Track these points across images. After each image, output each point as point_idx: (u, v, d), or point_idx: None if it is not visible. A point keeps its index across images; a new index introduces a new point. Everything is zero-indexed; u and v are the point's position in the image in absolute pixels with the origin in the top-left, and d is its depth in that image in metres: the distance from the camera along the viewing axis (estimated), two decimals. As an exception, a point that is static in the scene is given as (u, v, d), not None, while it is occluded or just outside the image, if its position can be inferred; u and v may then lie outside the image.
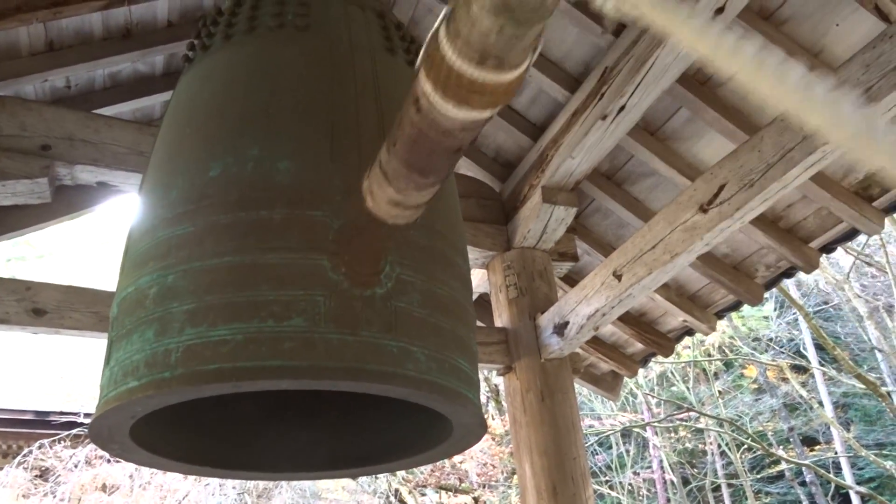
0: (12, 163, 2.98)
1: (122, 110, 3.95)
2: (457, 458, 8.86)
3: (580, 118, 3.20)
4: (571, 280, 4.10)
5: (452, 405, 1.52)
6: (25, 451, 8.76)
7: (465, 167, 4.11)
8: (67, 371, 12.61)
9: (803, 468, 16.01)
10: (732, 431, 15.78)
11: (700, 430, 16.48)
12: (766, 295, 3.97)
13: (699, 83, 3.18)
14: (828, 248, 3.57)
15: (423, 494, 9.90)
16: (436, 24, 0.93)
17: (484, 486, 9.09)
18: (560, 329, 3.25)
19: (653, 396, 16.81)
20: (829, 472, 15.51)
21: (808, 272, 3.55)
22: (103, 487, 9.15)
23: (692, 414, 15.56)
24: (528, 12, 0.81)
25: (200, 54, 1.92)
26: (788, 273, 3.73)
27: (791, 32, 2.89)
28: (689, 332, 4.37)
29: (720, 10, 2.56)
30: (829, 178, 3.16)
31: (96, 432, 1.49)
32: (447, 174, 1.26)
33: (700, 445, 17.63)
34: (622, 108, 3.00)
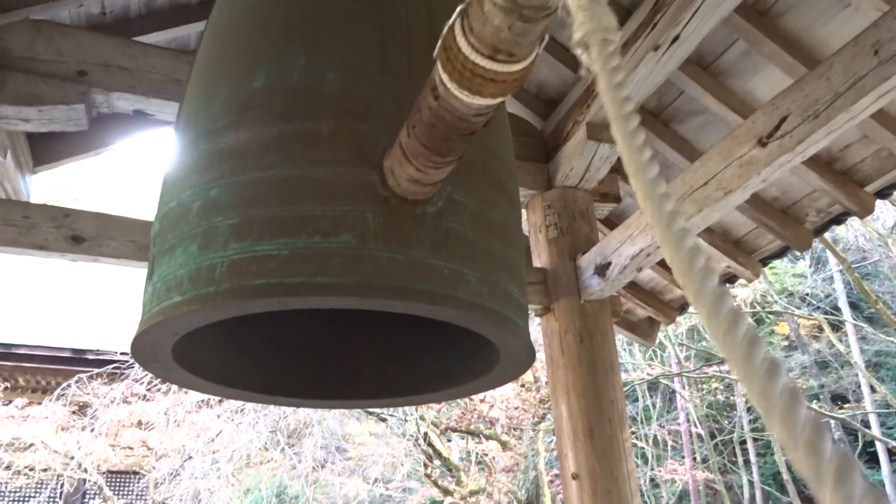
0: (49, 88, 2.94)
1: (157, 39, 3.87)
2: (486, 405, 8.90)
3: (631, 49, 3.05)
4: (612, 223, 4.00)
5: (503, 331, 1.47)
6: (64, 385, 8.98)
7: (507, 103, 3.99)
8: (104, 309, 12.85)
9: (831, 424, 15.91)
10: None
11: (729, 384, 16.41)
12: (814, 239, 3.84)
13: (759, 13, 3.01)
14: (883, 193, 3.42)
15: (450, 440, 10.01)
16: (451, 20, 1.02)
17: (511, 431, 9.15)
18: (602, 270, 3.17)
19: (683, 349, 16.74)
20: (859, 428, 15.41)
21: (862, 217, 3.41)
22: (139, 424, 9.39)
23: (722, 368, 15.48)
24: (534, 10, 0.90)
25: (240, -33, 1.83)
26: (840, 219, 3.60)
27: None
28: (732, 279, 4.26)
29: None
30: (893, 117, 3.00)
31: (139, 349, 1.46)
32: (462, 153, 1.30)
33: (730, 398, 17.56)
34: (676, 38, 2.85)
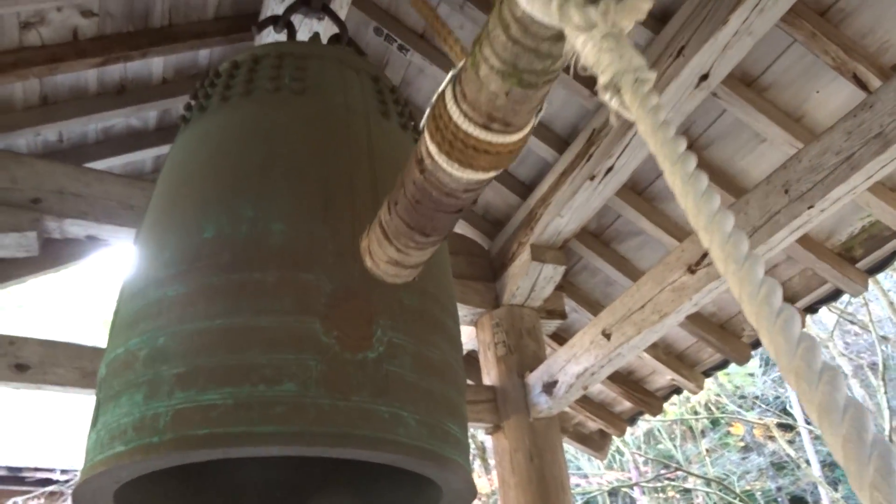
0: (1, 216, 2.97)
1: (113, 164, 3.97)
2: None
3: (568, 178, 3.24)
4: (560, 338, 4.10)
5: (442, 471, 1.51)
6: (1, 506, 8.51)
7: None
8: (42, 426, 12.34)
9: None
10: (720, 491, 15.60)
11: (688, 490, 16.28)
12: (752, 352, 3.98)
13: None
14: (812, 309, 3.60)
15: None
16: (442, 86, 0.95)
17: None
18: (549, 388, 3.24)
19: (640, 455, 16.64)
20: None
21: (794, 332, 3.56)
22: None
23: (680, 473, 15.39)
24: (535, 75, 0.82)
25: (197, 115, 1.95)
26: (775, 332, 3.74)
27: (773, 98, 2.97)
28: (678, 390, 4.36)
29: (704, 77, 2.63)
30: (813, 240, 3.20)
31: (80, 497, 1.45)
32: (448, 233, 1.28)
33: (689, 504, 17.41)
34: (610, 168, 3.05)
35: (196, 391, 1.35)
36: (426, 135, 1.01)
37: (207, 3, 3.52)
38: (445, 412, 1.58)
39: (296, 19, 2.82)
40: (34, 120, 3.44)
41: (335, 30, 2.68)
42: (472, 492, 1.59)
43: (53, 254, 3.59)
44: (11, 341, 2.76)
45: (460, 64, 0.91)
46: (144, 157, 4.16)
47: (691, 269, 2.51)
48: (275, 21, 2.60)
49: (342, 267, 1.52)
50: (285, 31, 2.64)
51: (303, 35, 2.91)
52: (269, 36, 2.96)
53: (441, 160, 0.99)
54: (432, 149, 1.00)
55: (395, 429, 1.43)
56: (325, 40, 2.62)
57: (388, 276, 1.41)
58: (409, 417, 1.47)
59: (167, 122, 4.06)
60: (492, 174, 1.01)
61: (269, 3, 3.05)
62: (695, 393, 4.15)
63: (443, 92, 0.96)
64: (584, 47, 0.67)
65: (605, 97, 0.65)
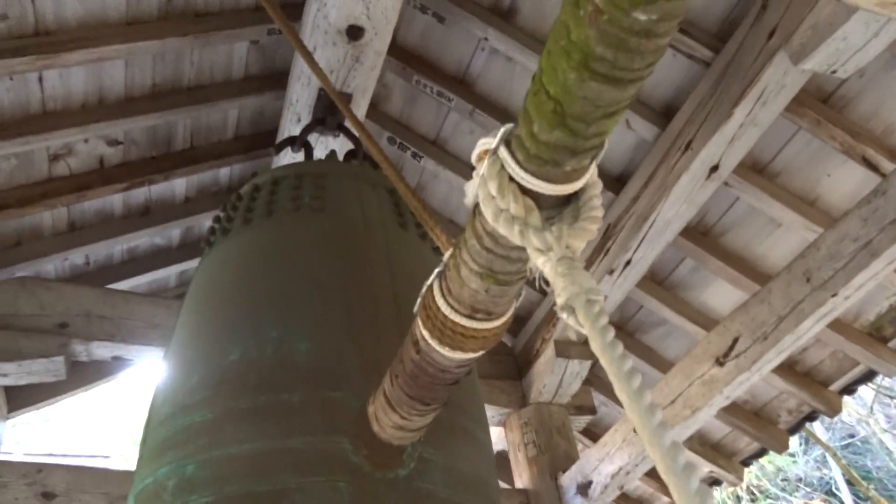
0: (30, 342, 3.02)
1: (138, 283, 4.04)
2: None
3: (588, 272, 3.26)
4: (591, 433, 4.02)
5: (481, 592, 1.46)
6: None
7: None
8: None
9: None
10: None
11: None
12: (790, 438, 3.86)
13: (701, 234, 3.26)
14: (848, 390, 3.52)
15: None
16: (430, 280, 1.06)
17: None
18: (584, 489, 3.15)
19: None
20: None
21: (831, 416, 3.48)
22: None
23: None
24: (509, 276, 0.93)
25: (221, 238, 2.00)
26: (812, 416, 3.65)
27: (786, 184, 3.00)
28: (717, 482, 4.22)
29: (714, 168, 2.67)
30: (841, 321, 3.16)
31: None
32: (446, 400, 1.32)
33: None
34: (628, 262, 3.06)
35: (226, 523, 1.33)
36: (419, 321, 1.10)
37: (227, 125, 3.66)
38: (480, 528, 1.54)
39: (311, 137, 2.93)
40: (62, 246, 3.54)
41: (350, 145, 2.77)
42: None
43: (80, 375, 3.62)
44: (39, 469, 2.76)
45: (446, 257, 1.01)
46: (168, 273, 4.24)
47: (720, 362, 2.48)
48: (292, 142, 2.70)
49: (368, 383, 1.52)
50: (302, 150, 2.74)
51: (319, 152, 3.01)
52: (287, 155, 3.06)
53: (433, 343, 1.09)
54: (425, 333, 1.09)
55: (428, 550, 1.40)
56: (340, 156, 2.72)
57: (394, 439, 1.44)
58: (443, 536, 1.43)
59: (190, 238, 4.16)
60: (479, 353, 1.11)
61: (286, 125, 3.17)
62: (735, 485, 4.01)
63: (431, 286, 1.06)
64: (544, 267, 0.76)
65: (563, 316, 0.72)
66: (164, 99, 3.27)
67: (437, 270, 1.04)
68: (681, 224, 2.95)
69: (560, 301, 0.72)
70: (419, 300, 1.09)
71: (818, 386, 3.40)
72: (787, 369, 3.40)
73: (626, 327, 3.83)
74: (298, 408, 1.47)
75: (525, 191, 0.73)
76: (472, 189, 0.79)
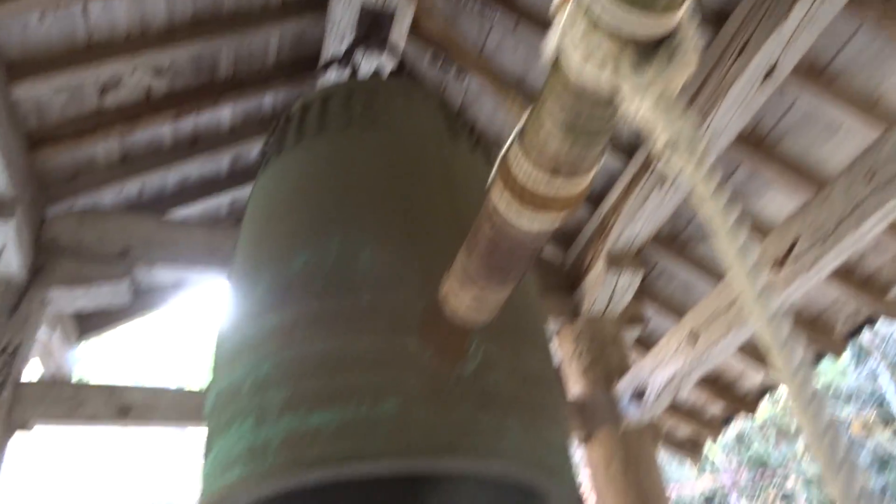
0: (95, 269, 3.13)
1: (191, 212, 4.12)
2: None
3: (638, 185, 3.22)
4: (643, 345, 4.04)
5: (549, 481, 1.50)
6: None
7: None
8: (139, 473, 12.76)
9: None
10: (822, 491, 14.92)
11: (788, 495, 15.64)
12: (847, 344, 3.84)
13: (756, 141, 3.18)
14: (908, 295, 3.46)
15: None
16: (508, 142, 1.00)
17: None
18: (637, 396, 3.19)
19: (732, 459, 16.10)
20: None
21: (894, 319, 3.43)
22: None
23: (779, 474, 14.80)
24: (595, 129, 0.87)
25: (275, 156, 2.02)
26: (870, 321, 3.61)
27: (845, 85, 2.89)
28: (771, 388, 4.23)
29: (770, 71, 2.58)
30: (900, 225, 3.08)
31: (200, 526, 1.51)
32: (524, 274, 1.30)
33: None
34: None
35: (302, 415, 1.39)
36: (496, 188, 1.05)
37: (268, 51, 3.65)
38: (547, 421, 1.58)
39: (356, 57, 2.91)
40: (116, 177, 3.61)
41: (393, 63, 2.75)
42: (580, 500, 1.58)
43: (143, 299, 3.75)
44: (114, 388, 2.89)
45: (524, 118, 0.95)
46: (220, 202, 4.31)
47: (778, 265, 2.45)
48: (338, 60, 2.68)
49: (431, 285, 1.54)
50: (348, 69, 2.72)
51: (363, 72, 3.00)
52: (332, 77, 3.05)
53: (511, 211, 1.03)
54: (502, 201, 1.04)
55: (499, 440, 1.44)
56: (385, 74, 2.70)
57: (469, 318, 1.44)
58: (512, 428, 1.47)
59: (238, 166, 4.20)
60: (560, 219, 1.05)
61: (329, 45, 3.15)
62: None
63: (509, 146, 1.00)
64: (639, 109, 0.71)
65: (662, 158, 0.69)
66: (205, 27, 3.27)
67: (516, 129, 0.98)
68: (735, 131, 2.88)
69: (661, 140, 0.68)
70: (497, 163, 1.04)
71: (877, 291, 3.35)
72: (846, 276, 3.35)
73: (678, 238, 3.80)
74: (365, 310, 1.51)
75: (615, 31, 0.69)
76: (554, 40, 0.74)
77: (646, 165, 3.16)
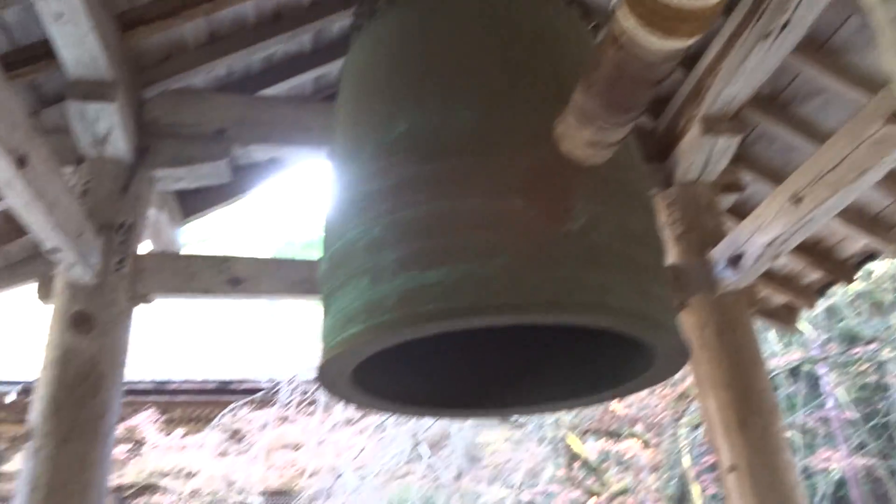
0: (195, 148, 3.23)
1: (278, 91, 4.16)
2: (622, 405, 8.83)
3: (738, 41, 3.03)
4: (738, 212, 3.93)
5: (655, 333, 1.54)
6: (220, 414, 9.56)
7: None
8: (241, 343, 13.60)
9: None
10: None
11: (881, 364, 15.42)
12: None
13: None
14: None
15: (584, 443, 9.96)
16: None
17: (651, 429, 9.01)
18: (734, 261, 3.14)
19: (822, 331, 15.88)
20: None
21: None
22: (288, 446, 9.84)
23: (870, 348, 14.56)
24: None
25: (368, 22, 2.00)
26: None
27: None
28: (871, 256, 4.10)
29: None
30: None
31: (324, 378, 1.62)
32: (645, 108, 1.26)
33: (882, 379, 16.43)
34: (785, 24, 2.82)
35: (417, 272, 1.44)
36: (623, 10, 1.01)
37: (347, -83, 3.53)
38: (651, 276, 1.59)
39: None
40: (205, 57, 3.65)
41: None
42: (686, 353, 1.61)
43: (240, 179, 3.87)
44: (225, 259, 3.05)
45: None
46: (304, 80, 4.32)
47: (893, 119, 2.31)
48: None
49: (535, 146, 1.54)
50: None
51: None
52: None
53: (641, 33, 1.00)
54: (631, 23, 1.00)
55: (606, 294, 1.47)
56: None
57: (586, 158, 1.42)
58: (618, 283, 1.50)
59: (321, 42, 4.18)
60: (692, 40, 1.01)
61: None
62: (893, 258, 3.88)
63: None
64: None
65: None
66: None
67: None
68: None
69: None
70: None
71: None
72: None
73: (779, 98, 3.61)
74: (469, 171, 1.53)
75: None
76: None
77: (747, 19, 2.97)
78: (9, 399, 10.22)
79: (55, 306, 2.70)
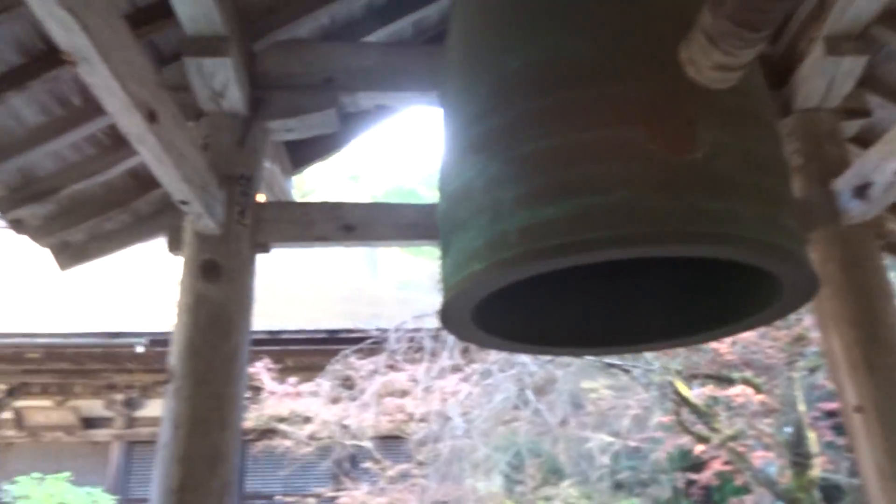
0: (304, 99, 3.31)
1: (378, 37, 4.18)
2: (730, 347, 8.59)
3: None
4: (863, 140, 3.70)
5: (784, 263, 1.49)
6: (332, 361, 9.95)
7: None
8: (345, 293, 14.04)
9: None
10: None
11: None
12: None
13: None
14: None
15: (692, 388, 9.80)
16: None
17: (765, 374, 8.75)
18: (861, 191, 2.97)
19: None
20: None
21: None
22: (396, 393, 10.16)
23: None
24: None
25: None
26: None
27: None
28: None
29: None
30: None
31: (446, 317, 1.66)
32: (778, 24, 1.20)
33: None
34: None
35: (537, 208, 1.45)
36: None
37: None
38: (778, 205, 1.54)
39: None
40: (309, 6, 3.70)
41: None
42: (816, 283, 1.56)
43: (346, 127, 3.95)
44: (337, 206, 3.14)
45: None
46: (404, 24, 4.31)
47: None
48: None
49: (655, 74, 1.50)
50: None
51: None
52: None
53: None
54: None
55: (731, 224, 1.43)
56: None
57: (713, 82, 1.37)
58: (744, 212, 1.45)
59: (419, -14, 4.15)
60: None
61: None
62: None
63: None
64: None
65: None
66: None
67: None
68: None
69: None
70: None
71: None
72: None
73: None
74: (589, 103, 1.50)
75: None
76: None
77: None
78: (139, 349, 10.95)
79: (185, 256, 2.86)
